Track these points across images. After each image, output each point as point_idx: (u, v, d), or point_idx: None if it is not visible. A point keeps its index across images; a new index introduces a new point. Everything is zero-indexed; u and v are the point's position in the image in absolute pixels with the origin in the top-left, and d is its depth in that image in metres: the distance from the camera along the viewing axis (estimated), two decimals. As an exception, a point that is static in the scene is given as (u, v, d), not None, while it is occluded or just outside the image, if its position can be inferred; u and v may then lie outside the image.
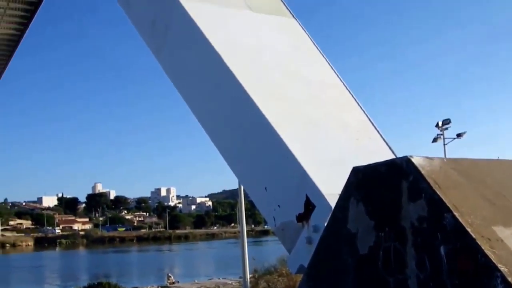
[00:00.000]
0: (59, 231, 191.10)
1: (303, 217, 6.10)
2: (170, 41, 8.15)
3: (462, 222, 3.87)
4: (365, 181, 4.63)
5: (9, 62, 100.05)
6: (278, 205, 6.46)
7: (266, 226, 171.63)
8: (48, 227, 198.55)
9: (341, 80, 7.77)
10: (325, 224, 5.29)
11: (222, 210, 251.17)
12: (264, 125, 6.60)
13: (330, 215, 5.15)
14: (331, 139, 6.73)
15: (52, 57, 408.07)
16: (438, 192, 4.04)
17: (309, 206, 6.02)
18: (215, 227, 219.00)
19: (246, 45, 7.63)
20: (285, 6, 8.58)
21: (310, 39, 8.25)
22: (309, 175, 6.04)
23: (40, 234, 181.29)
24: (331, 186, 5.79)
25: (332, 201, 5.35)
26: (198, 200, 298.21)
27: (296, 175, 6.17)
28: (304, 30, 8.34)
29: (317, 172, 6.08)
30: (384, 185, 4.42)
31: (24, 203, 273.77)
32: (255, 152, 6.90)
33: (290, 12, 8.51)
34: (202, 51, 7.47)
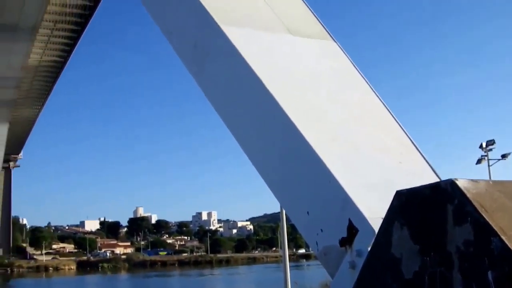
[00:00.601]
0: (110, 254, 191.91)
1: (346, 242, 6.03)
2: (210, 65, 8.20)
3: (510, 246, 3.79)
4: (409, 204, 4.57)
5: (53, 86, 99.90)
6: (321, 229, 6.41)
7: (307, 250, 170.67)
8: (98, 250, 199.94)
9: (382, 102, 7.72)
10: (369, 249, 5.23)
11: (263, 234, 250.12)
12: (305, 149, 6.57)
13: (373, 239, 5.10)
14: (374, 162, 6.67)
15: (90, 76, 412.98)
16: (485, 216, 3.96)
17: (352, 230, 5.96)
18: (257, 251, 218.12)
19: (287, 69, 7.63)
20: (325, 29, 8.57)
21: (351, 61, 8.22)
22: (351, 199, 5.98)
23: (82, 258, 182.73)
24: (374, 210, 5.73)
25: (376, 225, 5.30)
26: (239, 224, 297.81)
27: (338, 199, 6.12)
28: (344, 53, 8.32)
29: (360, 196, 6.02)
30: (429, 209, 4.36)
31: (67, 227, 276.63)
32: (296, 176, 6.86)
33: (330, 35, 8.50)
34: (243, 76, 7.48)
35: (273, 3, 8.55)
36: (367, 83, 7.94)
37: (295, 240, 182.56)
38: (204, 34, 8.22)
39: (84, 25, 79.79)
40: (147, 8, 9.86)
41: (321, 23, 8.65)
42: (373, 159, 6.71)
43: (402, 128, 7.43)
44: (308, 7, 8.85)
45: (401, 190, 4.70)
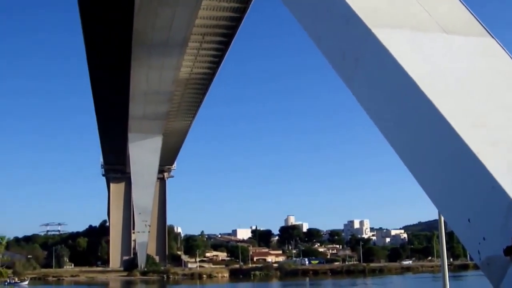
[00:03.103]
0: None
1: (511, 251, 5.71)
2: (361, 70, 8.05)
3: None
4: None
5: (204, 97, 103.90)
6: (483, 238, 6.11)
7: (466, 260, 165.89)
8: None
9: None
10: (538, 259, 4.92)
11: (418, 242, 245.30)
12: (466, 154, 6.27)
13: (543, 249, 4.77)
14: None
15: (241, 83, 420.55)
16: None
17: (518, 239, 5.63)
18: (411, 261, 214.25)
19: (444, 71, 7.34)
20: (482, 25, 8.17)
21: None
22: (517, 205, 5.66)
23: (235, 266, 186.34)
24: None
25: (546, 234, 4.98)
26: (393, 232, 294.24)
27: (502, 205, 5.80)
28: (505, 51, 7.88)
29: None
30: None
31: (219, 236, 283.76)
32: (457, 182, 6.56)
33: (489, 33, 8.09)
34: (397, 79, 7.27)
35: (425, 1, 8.26)
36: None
37: (452, 249, 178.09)
38: (354, 37, 8.08)
39: (231, 35, 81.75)
40: (295, 15, 9.85)
41: (478, 20, 8.26)
42: None
43: None
44: (462, 3, 8.49)
45: None
